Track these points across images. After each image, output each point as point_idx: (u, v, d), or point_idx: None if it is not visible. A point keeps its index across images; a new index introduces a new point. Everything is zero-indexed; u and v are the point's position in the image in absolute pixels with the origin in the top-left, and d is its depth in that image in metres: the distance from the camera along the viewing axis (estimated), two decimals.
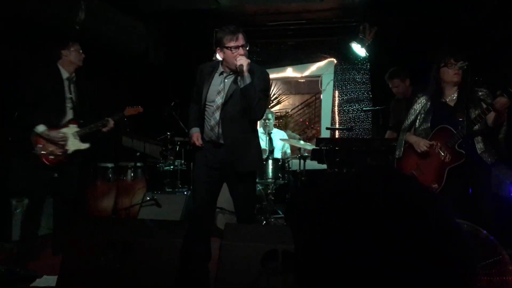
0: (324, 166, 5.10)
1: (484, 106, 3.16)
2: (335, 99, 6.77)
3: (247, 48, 3.22)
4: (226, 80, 3.23)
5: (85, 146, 4.04)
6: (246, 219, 3.34)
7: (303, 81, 10.02)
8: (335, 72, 6.74)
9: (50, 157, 3.83)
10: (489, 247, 2.38)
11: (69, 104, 3.98)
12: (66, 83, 3.98)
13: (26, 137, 3.97)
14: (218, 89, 3.23)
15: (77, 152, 4.01)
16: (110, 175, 5.30)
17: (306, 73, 6.92)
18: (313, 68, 6.83)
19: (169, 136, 5.61)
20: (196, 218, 3.37)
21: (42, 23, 4.58)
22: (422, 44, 5.59)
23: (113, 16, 5.53)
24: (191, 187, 3.28)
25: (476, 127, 3.22)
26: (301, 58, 6.88)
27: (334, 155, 4.60)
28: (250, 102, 3.13)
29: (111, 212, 5.19)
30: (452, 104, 3.37)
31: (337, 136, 6.66)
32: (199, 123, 3.37)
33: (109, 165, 5.32)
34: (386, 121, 5.23)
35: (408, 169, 3.50)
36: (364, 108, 6.51)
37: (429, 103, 3.45)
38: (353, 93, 6.73)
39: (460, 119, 3.21)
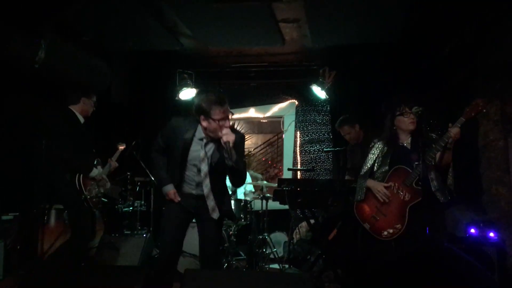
0: (287, 207, 5.12)
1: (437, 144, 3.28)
2: (296, 140, 6.88)
3: (231, 117, 3.18)
4: (206, 148, 3.21)
5: (109, 185, 4.40)
6: (212, 261, 3.32)
7: (266, 121, 10.15)
8: (297, 113, 6.87)
9: (94, 200, 4.07)
10: None
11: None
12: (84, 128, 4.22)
13: None
14: (200, 156, 3.19)
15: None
16: (66, 217, 5.10)
17: (268, 113, 7.03)
18: (275, 109, 6.95)
19: (129, 176, 5.51)
20: (165, 257, 3.35)
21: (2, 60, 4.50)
22: (380, 87, 5.80)
23: (75, 55, 5.48)
24: (161, 226, 3.44)
25: (431, 162, 3.32)
26: (263, 99, 6.98)
27: (296, 196, 4.62)
28: (237, 175, 3.22)
29: (66, 255, 4.95)
30: (408, 147, 3.49)
31: (299, 177, 6.71)
32: (169, 177, 3.33)
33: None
34: (346, 162, 5.34)
35: (369, 213, 3.54)
36: (325, 149, 6.62)
37: (386, 147, 3.55)
38: (314, 134, 6.85)
39: (416, 163, 3.31)
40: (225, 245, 5.27)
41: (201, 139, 3.20)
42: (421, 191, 3.25)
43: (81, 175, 4.01)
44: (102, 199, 4.38)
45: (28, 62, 4.59)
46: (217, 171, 3.24)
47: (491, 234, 4.31)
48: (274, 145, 11.56)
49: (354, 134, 5.01)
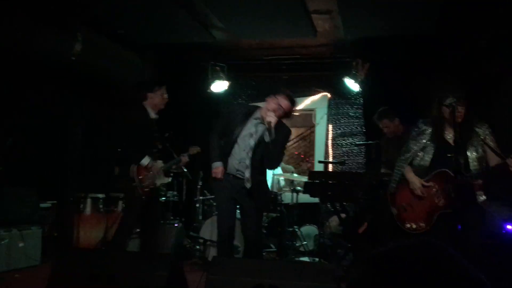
0: (317, 200, 5.08)
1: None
2: (328, 133, 6.80)
3: (289, 117, 3.77)
4: (258, 127, 3.67)
5: (167, 180, 4.42)
6: (254, 248, 3.72)
7: (298, 114, 10.08)
8: (329, 106, 6.79)
9: (145, 189, 4.11)
10: None
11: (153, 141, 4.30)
12: (153, 123, 4.30)
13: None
14: (250, 132, 3.66)
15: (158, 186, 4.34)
16: (101, 206, 5.25)
17: (300, 106, 6.94)
18: (307, 101, 6.88)
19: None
20: (225, 240, 3.72)
21: (38, 55, 4.65)
22: (415, 79, 5.66)
23: (109, 48, 5.61)
24: (217, 212, 4.10)
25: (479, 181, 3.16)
26: (295, 92, 6.87)
27: (326, 189, 4.57)
28: (269, 154, 3.59)
29: (100, 243, 5.11)
30: (452, 142, 3.27)
31: (330, 170, 6.64)
32: (221, 156, 3.72)
33: (100, 195, 5.28)
34: (379, 156, 5.24)
35: (400, 201, 3.44)
36: (357, 142, 6.52)
37: (430, 139, 3.38)
38: (347, 127, 6.75)
39: (461, 163, 3.18)
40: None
41: (257, 118, 3.67)
42: (456, 204, 3.13)
43: (137, 166, 4.12)
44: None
45: (65, 54, 4.73)
46: (259, 150, 3.63)
47: None
48: (307, 139, 11.44)
49: (393, 128, 4.87)
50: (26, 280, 4.00)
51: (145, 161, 4.11)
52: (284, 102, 3.64)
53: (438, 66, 5.52)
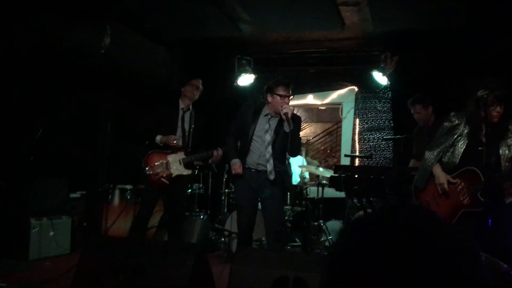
0: (343, 194, 5.03)
1: None
2: (355, 127, 6.72)
3: (291, 98, 3.91)
4: (271, 122, 3.87)
5: (187, 172, 4.34)
6: (276, 238, 3.83)
7: (325, 109, 10.01)
8: (356, 100, 6.71)
9: (156, 177, 4.16)
10: (510, 281, 2.28)
11: (179, 133, 4.32)
12: (180, 113, 4.36)
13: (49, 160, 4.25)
14: (265, 128, 3.86)
15: (181, 177, 4.28)
16: (129, 197, 5.34)
17: (327, 100, 6.92)
18: (334, 95, 6.82)
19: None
20: (245, 231, 3.90)
21: (68, 47, 4.74)
22: (445, 73, 5.54)
23: (137, 42, 5.68)
24: (236, 207, 4.24)
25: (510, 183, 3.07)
26: (322, 86, 6.87)
27: (352, 183, 4.51)
28: (291, 143, 3.75)
29: (127, 233, 5.19)
30: (485, 139, 3.17)
31: (356, 164, 6.57)
32: (238, 154, 3.94)
33: (128, 187, 5.36)
34: (407, 150, 5.13)
35: (425, 196, 3.38)
36: (384, 137, 6.41)
37: (461, 136, 3.28)
38: (374, 122, 6.66)
39: (492, 162, 3.09)
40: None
41: (266, 115, 3.87)
42: (482, 204, 3.05)
43: (149, 153, 4.21)
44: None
45: (94, 48, 4.81)
46: (277, 142, 3.82)
47: None
48: (333, 134, 11.36)
49: (424, 115, 4.72)
50: (56, 268, 4.10)
51: (158, 137, 4.21)
52: (284, 92, 3.80)
53: (470, 61, 5.37)
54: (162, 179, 4.15)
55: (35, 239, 4.55)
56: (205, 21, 5.43)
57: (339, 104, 6.89)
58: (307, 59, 6.53)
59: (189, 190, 5.50)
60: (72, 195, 5.22)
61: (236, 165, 3.86)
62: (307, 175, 6.14)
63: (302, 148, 10.24)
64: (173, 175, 4.20)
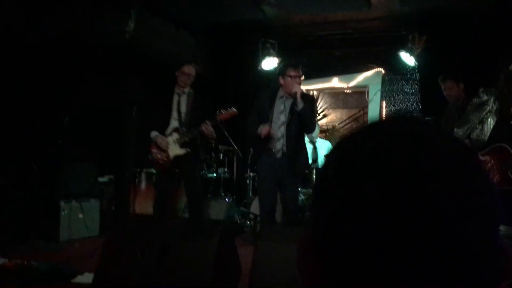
0: None
1: None
2: (382, 110, 6.59)
3: (302, 78, 4.08)
4: (286, 103, 4.03)
5: (182, 151, 4.39)
6: (292, 214, 4.05)
7: (351, 95, 9.86)
8: (383, 82, 6.56)
9: (159, 161, 4.37)
10: None
11: (175, 115, 4.44)
12: (175, 98, 4.48)
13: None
14: (280, 109, 4.03)
15: (182, 158, 4.38)
16: (155, 180, 5.39)
17: (353, 83, 6.79)
18: (359, 78, 6.69)
19: (213, 145, 5.65)
20: (268, 211, 4.02)
21: (93, 33, 4.79)
22: (474, 54, 5.36)
23: (162, 28, 5.69)
24: (257, 188, 4.51)
25: None
26: (347, 68, 6.75)
27: None
28: (304, 121, 3.94)
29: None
30: None
31: None
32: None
33: (154, 170, 5.41)
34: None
35: None
36: None
37: (491, 112, 3.18)
38: (402, 104, 6.51)
39: None
40: (306, 213, 5.25)
41: (282, 97, 4.05)
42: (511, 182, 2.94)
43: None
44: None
45: (119, 33, 4.85)
46: (293, 123, 3.96)
47: None
48: (360, 121, 11.20)
49: (456, 92, 4.51)
50: (84, 249, 4.19)
51: (152, 134, 4.38)
52: (294, 73, 3.96)
53: (500, 42, 5.17)
54: (163, 162, 4.35)
55: (65, 221, 4.65)
56: (229, 4, 5.40)
57: (365, 87, 6.75)
58: (332, 41, 6.43)
59: (215, 174, 5.53)
60: (101, 179, 5.31)
61: (264, 129, 3.92)
62: None
63: (328, 134, 10.21)
64: (171, 156, 4.35)
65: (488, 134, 3.17)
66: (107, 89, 5.64)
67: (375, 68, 6.59)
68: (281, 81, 4.02)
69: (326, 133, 10.66)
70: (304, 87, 7.12)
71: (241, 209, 5.40)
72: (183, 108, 4.46)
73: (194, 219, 4.29)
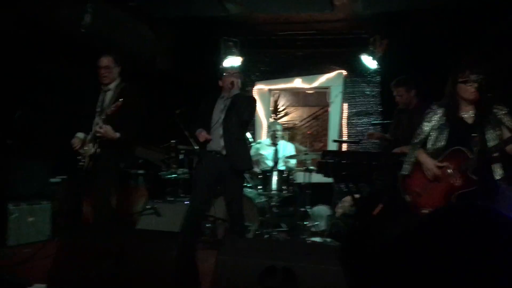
0: (330, 179, 4.96)
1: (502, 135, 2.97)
2: (343, 112, 6.64)
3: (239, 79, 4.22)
4: (226, 102, 4.12)
5: (89, 151, 4.05)
6: (236, 219, 4.08)
7: (312, 93, 9.92)
8: (344, 84, 6.60)
9: (81, 162, 4.12)
10: None
11: (98, 113, 4.08)
12: (101, 95, 4.14)
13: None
14: (220, 108, 4.12)
15: (98, 157, 4.03)
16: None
17: (315, 84, 6.80)
18: (322, 79, 6.70)
19: (173, 144, 5.51)
20: (194, 215, 4.11)
21: (49, 26, 4.56)
22: (436, 57, 5.46)
23: (121, 21, 5.48)
24: (192, 186, 4.29)
25: (496, 154, 3.00)
26: (310, 69, 6.77)
27: (341, 169, 4.44)
28: (238, 106, 4.01)
29: (112, 219, 5.07)
30: (469, 121, 3.12)
31: (344, 149, 6.51)
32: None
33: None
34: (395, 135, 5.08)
35: (414, 187, 3.27)
36: (373, 122, 6.36)
37: (444, 118, 3.23)
38: (363, 106, 6.58)
39: (477, 140, 3.01)
40: (267, 215, 5.22)
41: (222, 97, 4.19)
42: (475, 181, 2.96)
43: None
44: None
45: (74, 26, 4.63)
46: (230, 119, 4.03)
47: None
48: (320, 119, 11.28)
49: (406, 98, 4.66)
50: (35, 254, 3.97)
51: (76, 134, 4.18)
52: (230, 70, 4.30)
53: (460, 44, 5.29)
54: (83, 163, 4.11)
55: (14, 225, 4.39)
56: (190, 0, 5.27)
57: (327, 88, 6.78)
58: (295, 41, 6.42)
59: (174, 175, 5.39)
60: (53, 180, 5.06)
61: (200, 133, 4.02)
62: (294, 162, 6.06)
63: (289, 132, 10.24)
64: (86, 156, 4.07)
65: (445, 141, 3.21)
66: (62, 84, 5.38)
67: (337, 70, 6.63)
68: (220, 83, 4.21)
69: (288, 131, 10.69)
70: (266, 87, 7.15)
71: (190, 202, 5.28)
72: (107, 104, 4.05)
73: (99, 224, 4.03)
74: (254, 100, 4.41)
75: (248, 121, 4.27)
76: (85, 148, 4.09)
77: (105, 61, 4.10)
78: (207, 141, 4.06)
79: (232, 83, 4.08)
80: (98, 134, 3.96)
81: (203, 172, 4.07)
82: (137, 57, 5.97)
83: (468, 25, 5.15)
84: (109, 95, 4.10)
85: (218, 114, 4.10)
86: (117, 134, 3.95)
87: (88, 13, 4.62)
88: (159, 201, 5.03)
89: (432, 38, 5.45)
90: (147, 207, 4.87)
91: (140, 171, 5.40)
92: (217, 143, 4.05)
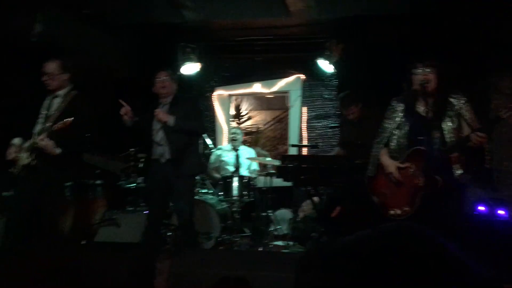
0: (290, 184, 5.01)
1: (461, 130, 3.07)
2: (303, 115, 6.72)
3: (174, 82, 4.23)
4: (163, 108, 4.07)
5: (23, 160, 3.78)
6: (184, 222, 4.00)
7: (274, 97, 9.99)
8: (303, 88, 6.68)
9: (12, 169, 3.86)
10: None
11: (41, 120, 3.86)
12: (48, 100, 3.94)
13: None
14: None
15: (30, 166, 3.76)
16: (68, 194, 5.06)
17: (274, 88, 6.86)
18: (281, 83, 6.76)
19: (132, 153, 5.44)
20: (154, 221, 4.03)
21: None
22: (390, 61, 5.59)
23: (75, 29, 5.37)
24: (146, 197, 4.39)
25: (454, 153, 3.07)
26: (269, 74, 6.80)
27: (300, 173, 4.49)
28: (186, 131, 3.99)
29: (69, 232, 4.95)
30: (428, 115, 3.13)
31: (304, 153, 6.58)
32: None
33: (67, 183, 5.09)
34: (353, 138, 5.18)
35: (380, 187, 3.31)
36: (331, 125, 6.47)
37: (403, 115, 3.26)
38: (321, 110, 6.68)
39: (437, 137, 3.07)
40: (229, 222, 5.22)
41: (160, 104, 4.14)
42: (438, 181, 3.01)
43: None
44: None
45: (24, 36, 4.51)
46: (170, 127, 3.94)
47: (501, 212, 4.17)
48: (283, 122, 11.36)
49: (357, 112, 4.81)
50: None
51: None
52: (158, 75, 4.16)
53: (413, 47, 5.44)
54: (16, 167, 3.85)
55: None
56: (147, 6, 5.22)
57: (287, 92, 6.85)
58: (254, 46, 6.44)
59: (134, 184, 5.31)
60: (5, 194, 4.88)
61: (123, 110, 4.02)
62: (256, 165, 6.09)
63: (253, 136, 10.27)
64: (19, 166, 3.81)
65: (406, 138, 3.24)
66: (15, 93, 5.22)
67: (295, 74, 6.69)
68: (154, 89, 4.17)
69: (251, 135, 10.72)
70: (226, 92, 7.14)
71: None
72: (52, 112, 3.85)
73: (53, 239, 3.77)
74: (197, 105, 4.44)
75: (200, 131, 4.32)
76: (20, 155, 3.80)
77: (50, 67, 3.88)
78: (153, 145, 4.08)
79: (163, 87, 4.07)
80: (36, 146, 3.73)
81: (152, 181, 4.06)
82: (93, 65, 5.87)
83: (420, 29, 5.31)
84: (56, 102, 3.89)
85: (158, 122, 4.05)
86: (57, 151, 3.69)
87: (39, 22, 4.50)
88: (118, 212, 4.94)
89: (386, 42, 5.58)
90: (106, 218, 4.79)
91: (98, 182, 5.28)
92: (161, 149, 4.01)
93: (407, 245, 0.67)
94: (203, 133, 4.52)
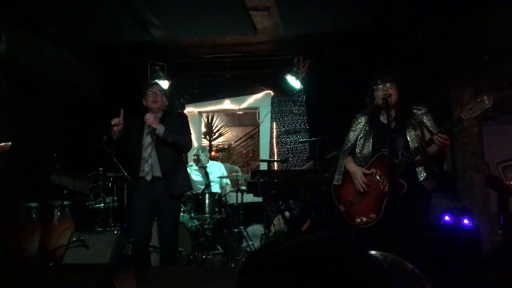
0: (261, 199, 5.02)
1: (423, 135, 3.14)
2: (273, 131, 6.78)
3: (165, 95, 4.02)
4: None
5: None
6: (169, 242, 3.84)
7: (245, 113, 10.05)
8: (272, 104, 6.76)
9: None
10: (415, 280, 2.35)
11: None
12: None
13: None
14: (148, 131, 3.83)
15: None
16: (34, 215, 4.94)
17: (244, 105, 6.91)
18: (250, 100, 6.83)
19: (101, 172, 5.35)
20: (140, 241, 3.85)
21: None
22: (356, 75, 5.73)
23: (39, 48, 5.31)
24: (131, 217, 3.98)
25: (418, 157, 3.14)
26: (238, 90, 6.87)
27: (270, 188, 4.51)
28: (173, 144, 3.80)
29: (35, 255, 4.81)
30: (391, 125, 3.15)
31: (275, 168, 6.62)
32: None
33: (33, 204, 4.96)
34: (322, 152, 5.25)
35: (346, 196, 3.33)
36: (300, 140, 6.54)
37: (367, 125, 3.34)
38: (291, 125, 6.76)
39: (400, 144, 3.15)
40: (201, 239, 5.18)
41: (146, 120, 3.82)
42: (403, 185, 3.05)
43: None
44: None
45: None
46: (160, 144, 3.79)
47: (465, 221, 4.28)
48: (255, 138, 11.43)
49: None
50: None
51: None
52: (149, 88, 3.94)
53: (376, 62, 5.59)
54: None
55: None
56: (113, 25, 5.19)
57: (256, 108, 6.91)
58: (223, 63, 6.49)
59: (103, 204, 5.22)
60: None
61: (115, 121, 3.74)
62: (228, 181, 6.08)
63: (225, 153, 10.26)
64: None
65: (370, 147, 3.30)
66: None
67: (264, 90, 6.78)
68: (144, 102, 3.96)
69: (223, 152, 10.72)
70: (196, 109, 7.15)
71: (132, 239, 5.15)
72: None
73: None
74: (186, 121, 4.18)
75: (186, 148, 4.11)
76: None
77: None
78: (139, 164, 3.81)
79: (155, 102, 3.87)
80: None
81: (139, 199, 3.83)
82: (59, 84, 5.80)
83: (380, 47, 5.47)
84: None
85: (146, 136, 3.84)
86: None
87: (1, 41, 4.43)
88: (87, 232, 4.84)
89: (350, 59, 5.72)
90: (74, 239, 4.68)
91: (66, 202, 5.16)
92: (147, 166, 3.78)
93: (328, 257, 0.70)
94: (188, 150, 4.30)
